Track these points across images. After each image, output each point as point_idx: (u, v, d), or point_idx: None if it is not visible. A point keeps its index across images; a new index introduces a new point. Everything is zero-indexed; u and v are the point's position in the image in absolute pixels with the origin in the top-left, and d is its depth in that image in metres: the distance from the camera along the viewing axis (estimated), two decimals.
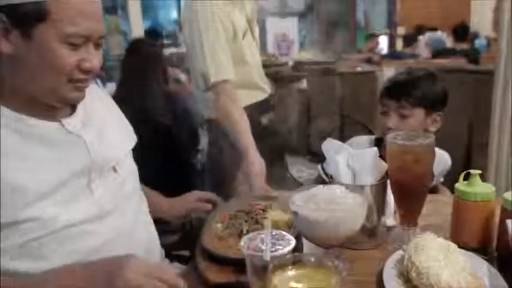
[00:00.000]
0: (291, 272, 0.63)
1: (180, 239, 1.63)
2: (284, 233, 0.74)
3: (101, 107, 0.96)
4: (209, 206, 1.12)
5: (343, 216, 0.74)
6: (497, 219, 0.83)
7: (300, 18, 7.70)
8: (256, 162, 1.34)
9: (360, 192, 0.80)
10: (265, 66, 1.77)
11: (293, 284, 0.61)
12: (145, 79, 2.11)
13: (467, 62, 3.87)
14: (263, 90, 1.70)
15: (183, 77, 3.25)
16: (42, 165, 0.79)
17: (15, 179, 0.75)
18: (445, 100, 1.35)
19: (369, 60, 5.54)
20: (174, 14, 9.53)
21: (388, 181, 0.89)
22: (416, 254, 0.72)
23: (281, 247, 0.69)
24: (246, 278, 0.71)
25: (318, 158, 1.10)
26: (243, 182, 1.46)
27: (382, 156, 0.90)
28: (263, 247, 0.68)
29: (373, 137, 1.48)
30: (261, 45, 1.89)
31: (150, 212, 1.04)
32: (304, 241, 0.82)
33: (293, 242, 0.71)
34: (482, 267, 0.76)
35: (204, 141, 2.72)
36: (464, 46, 4.90)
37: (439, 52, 5.03)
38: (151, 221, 1.03)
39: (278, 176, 1.85)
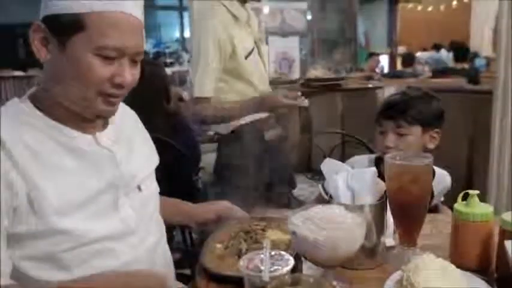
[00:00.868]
0: None
1: (181, 257, 1.63)
2: (283, 253, 0.74)
3: (130, 125, 0.98)
4: (239, 213, 1.09)
5: (342, 237, 0.74)
6: (496, 239, 0.84)
7: (301, 38, 7.79)
8: None
9: (359, 212, 0.81)
10: (274, 83, 1.83)
11: None
12: (148, 98, 2.14)
13: (467, 82, 3.90)
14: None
15: (186, 95, 3.29)
16: (75, 177, 0.80)
17: (47, 186, 0.76)
18: (442, 117, 1.37)
19: (370, 79, 5.59)
20: (176, 33, 9.67)
21: (388, 201, 0.90)
22: (416, 274, 0.72)
23: (280, 267, 0.70)
24: None
25: (320, 176, 1.11)
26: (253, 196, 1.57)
27: (382, 175, 0.91)
28: (262, 267, 0.68)
29: (373, 156, 1.49)
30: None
31: (177, 218, 1.09)
32: (304, 261, 0.82)
33: (291, 262, 0.71)
34: None
35: (205, 159, 2.74)
36: (464, 66, 4.94)
37: (439, 71, 5.08)
38: (167, 246, 1.03)
39: (282, 194, 1.87)
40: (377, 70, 6.62)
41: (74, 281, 0.76)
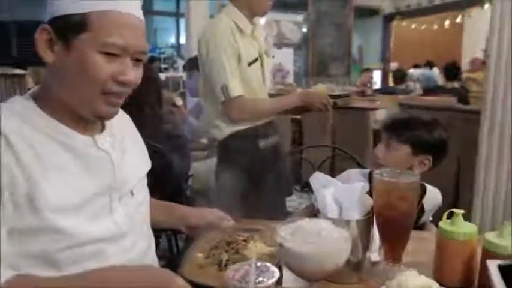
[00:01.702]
0: None
1: (165, 265, 1.62)
2: (269, 264, 0.74)
3: (124, 129, 0.98)
4: (229, 223, 1.09)
5: (328, 251, 0.75)
6: (479, 258, 0.85)
7: (296, 50, 7.86)
8: None
9: (345, 227, 0.82)
10: (279, 95, 1.89)
11: None
12: (140, 102, 2.13)
13: (457, 101, 3.96)
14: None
15: (179, 100, 3.29)
16: (73, 178, 0.80)
17: (46, 185, 0.76)
18: (439, 148, 1.37)
19: (362, 94, 5.65)
20: (172, 39, 9.70)
21: (374, 216, 0.91)
22: None
23: (265, 279, 0.70)
24: None
25: (309, 187, 1.12)
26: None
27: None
28: (247, 278, 0.69)
29: (367, 170, 1.50)
30: None
31: (170, 220, 1.09)
32: (284, 273, 0.82)
33: (277, 274, 0.71)
34: None
35: (195, 166, 2.74)
36: (455, 85, 5.02)
37: (430, 89, 5.15)
38: (154, 253, 1.03)
39: (278, 201, 1.90)
40: (369, 85, 6.69)
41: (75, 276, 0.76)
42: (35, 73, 4.45)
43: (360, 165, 1.84)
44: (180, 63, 7.39)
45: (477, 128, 2.00)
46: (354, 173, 1.52)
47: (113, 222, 0.86)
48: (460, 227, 0.85)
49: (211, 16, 5.48)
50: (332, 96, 2.03)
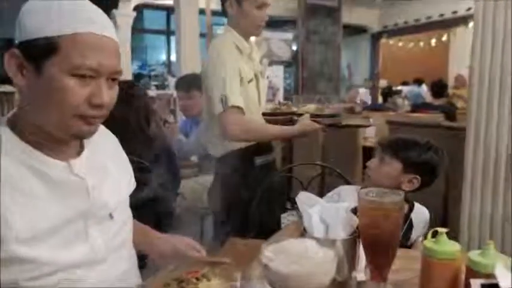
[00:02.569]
0: None
1: None
2: None
3: (106, 149, 0.96)
4: (197, 254, 1.07)
5: (313, 271, 0.75)
6: (463, 277, 0.85)
7: (286, 67, 7.94)
8: None
9: (331, 246, 0.82)
10: (275, 114, 1.92)
11: None
12: (127, 121, 2.12)
13: (444, 118, 4.02)
14: None
15: (171, 118, 3.29)
16: (43, 205, 0.78)
17: (14, 213, 0.74)
18: (428, 170, 1.41)
19: (351, 110, 5.70)
20: (163, 57, 9.75)
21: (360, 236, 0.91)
22: None
23: None
24: None
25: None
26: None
27: None
28: None
29: (359, 187, 1.51)
30: None
31: (141, 246, 1.04)
32: None
33: None
34: None
35: (184, 184, 2.73)
36: (442, 101, 5.10)
37: (418, 106, 5.22)
38: (138, 273, 1.01)
39: (273, 217, 1.92)
40: (357, 101, 6.77)
41: None
42: None
43: (348, 183, 1.85)
44: (171, 80, 7.41)
45: (464, 145, 2.03)
46: (345, 189, 1.54)
47: (90, 248, 0.84)
48: (444, 246, 0.86)
49: (202, 34, 5.54)
50: (322, 116, 2.08)
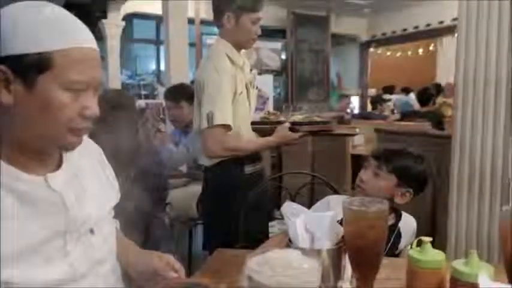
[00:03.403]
0: None
1: None
2: None
3: (88, 161, 0.94)
4: (174, 274, 1.00)
5: (297, 282, 0.74)
6: (448, 286, 0.86)
7: (275, 76, 7.97)
8: None
9: (316, 256, 0.81)
10: (264, 123, 1.95)
11: None
12: (115, 129, 2.11)
13: (432, 126, 4.06)
14: None
15: (162, 126, 3.28)
16: (18, 225, 0.75)
17: None
18: (420, 183, 1.43)
19: (341, 119, 5.74)
20: (153, 66, 9.74)
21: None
22: None
23: None
24: None
25: None
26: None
27: None
28: None
29: (346, 196, 1.52)
30: None
31: (121, 264, 1.00)
32: None
33: None
34: None
35: (173, 194, 2.71)
36: (430, 109, 5.15)
37: (406, 114, 5.27)
38: (124, 285, 0.99)
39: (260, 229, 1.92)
40: (348, 110, 6.82)
41: None
42: None
43: (336, 192, 1.85)
44: (160, 89, 7.41)
45: (450, 153, 2.05)
46: (334, 198, 1.53)
47: (69, 265, 0.81)
48: (429, 255, 0.86)
49: (191, 44, 5.55)
50: (312, 123, 2.10)
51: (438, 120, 4.26)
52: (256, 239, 1.47)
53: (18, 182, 0.78)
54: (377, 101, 6.52)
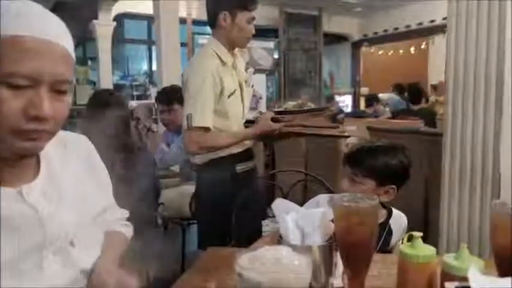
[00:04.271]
0: None
1: None
2: None
3: (74, 164, 0.87)
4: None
5: (288, 278, 0.74)
6: (439, 280, 0.86)
7: (268, 75, 7.98)
8: None
9: (307, 253, 0.81)
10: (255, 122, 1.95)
11: None
12: (106, 129, 2.10)
13: (424, 124, 4.08)
14: (242, 143, 1.90)
15: (155, 127, 3.27)
16: None
17: None
18: (402, 176, 1.39)
19: (334, 117, 5.74)
20: (145, 66, 9.71)
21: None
22: None
23: None
24: None
25: None
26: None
27: None
28: None
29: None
30: None
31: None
32: None
33: None
34: None
35: (165, 194, 2.70)
36: (422, 107, 5.17)
37: (398, 112, 5.29)
38: None
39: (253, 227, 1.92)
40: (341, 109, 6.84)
41: None
42: None
43: (329, 190, 1.86)
44: (152, 90, 7.39)
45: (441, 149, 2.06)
46: (323, 198, 1.53)
47: (45, 279, 0.76)
48: (419, 249, 0.86)
49: (183, 44, 5.54)
50: (302, 111, 2.12)
51: (431, 118, 4.28)
52: (249, 237, 1.47)
53: None
54: (371, 99, 6.54)
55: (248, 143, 1.97)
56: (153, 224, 2.37)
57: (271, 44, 8.35)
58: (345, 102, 8.93)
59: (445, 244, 1.89)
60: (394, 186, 1.38)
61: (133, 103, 5.98)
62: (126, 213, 1.10)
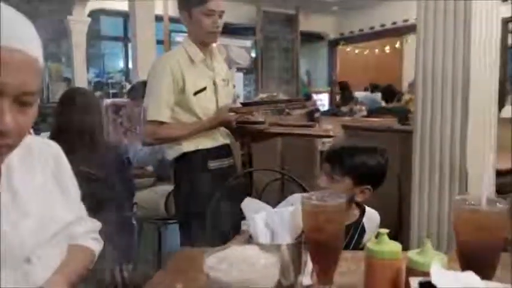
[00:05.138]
0: None
1: None
2: None
3: (40, 178, 0.84)
4: None
5: (255, 277, 0.74)
6: (404, 276, 0.88)
7: (245, 74, 7.97)
8: None
9: (275, 252, 0.82)
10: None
11: None
12: (79, 130, 2.06)
13: (397, 122, 4.15)
14: (214, 139, 1.94)
15: (132, 126, 3.23)
16: None
17: None
18: (378, 176, 1.42)
19: (310, 115, 5.79)
20: (121, 64, 9.55)
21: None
22: None
23: None
24: None
25: None
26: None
27: None
28: None
29: None
30: None
31: None
32: None
33: None
34: None
35: (140, 195, 2.67)
36: (396, 105, 5.27)
37: (373, 111, 5.37)
38: None
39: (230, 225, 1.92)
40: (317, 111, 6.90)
41: None
42: None
43: (304, 189, 1.87)
44: (128, 87, 7.29)
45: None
46: (296, 197, 1.54)
47: None
48: (385, 246, 0.88)
49: (158, 41, 5.48)
50: (274, 102, 2.17)
51: (404, 116, 4.36)
52: (227, 236, 1.47)
53: None
54: (346, 98, 6.62)
55: (223, 140, 1.96)
56: (127, 224, 2.34)
57: (248, 43, 8.35)
58: (322, 101, 8.99)
59: (416, 240, 1.94)
60: (370, 187, 1.40)
61: (108, 101, 5.87)
62: (98, 225, 1.06)
